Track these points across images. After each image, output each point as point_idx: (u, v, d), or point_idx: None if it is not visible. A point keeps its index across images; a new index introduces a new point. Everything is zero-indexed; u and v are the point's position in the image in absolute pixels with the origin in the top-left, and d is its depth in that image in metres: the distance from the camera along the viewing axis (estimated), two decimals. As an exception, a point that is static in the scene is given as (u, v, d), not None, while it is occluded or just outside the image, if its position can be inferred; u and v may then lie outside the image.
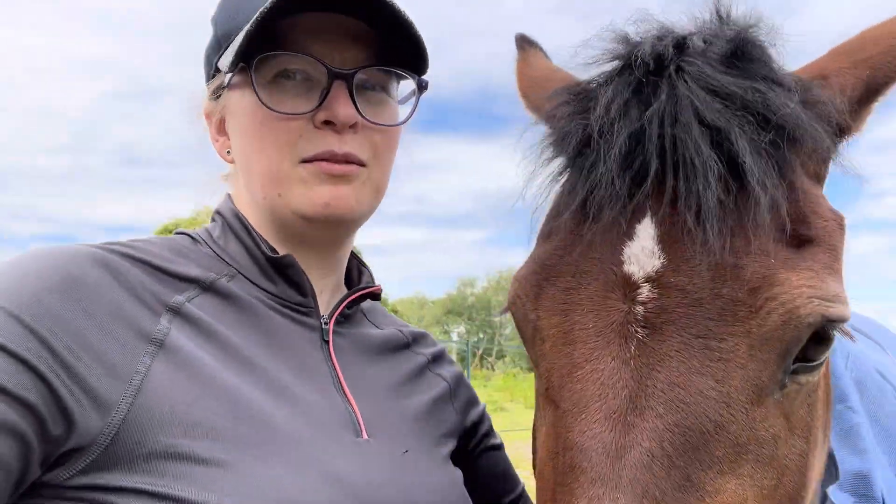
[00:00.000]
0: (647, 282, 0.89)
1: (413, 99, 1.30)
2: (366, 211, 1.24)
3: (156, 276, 1.05)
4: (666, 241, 0.89)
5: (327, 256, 1.30)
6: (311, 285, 1.22)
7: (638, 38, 1.02)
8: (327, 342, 1.22)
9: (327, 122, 1.14)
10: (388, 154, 1.26)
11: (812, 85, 0.97)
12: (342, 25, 1.16)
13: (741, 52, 0.96)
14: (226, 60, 1.16)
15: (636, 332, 0.88)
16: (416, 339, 1.47)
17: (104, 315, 0.93)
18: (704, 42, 0.97)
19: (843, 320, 0.87)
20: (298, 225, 1.20)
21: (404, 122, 1.28)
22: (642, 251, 0.90)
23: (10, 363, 0.82)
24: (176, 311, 1.02)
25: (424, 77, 1.28)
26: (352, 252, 1.41)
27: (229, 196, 1.30)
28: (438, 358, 1.48)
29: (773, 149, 0.88)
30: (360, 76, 1.17)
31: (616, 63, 1.01)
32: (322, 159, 1.15)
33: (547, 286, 0.99)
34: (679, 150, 0.87)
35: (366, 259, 1.46)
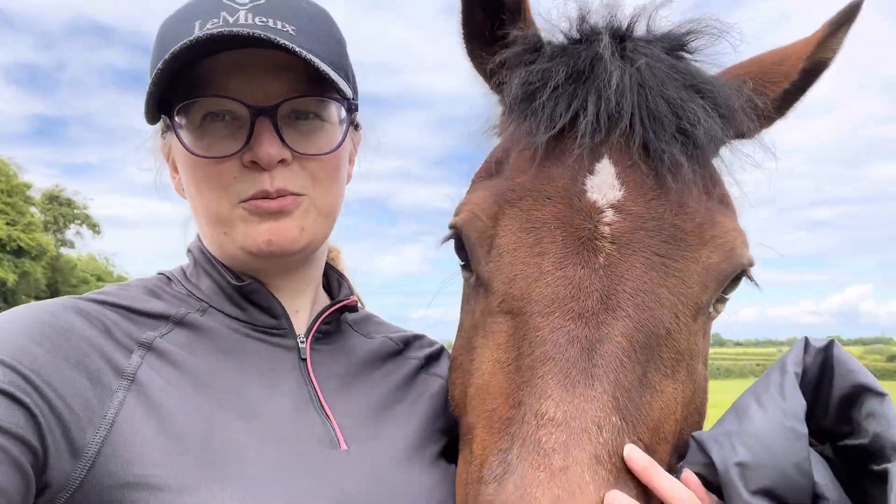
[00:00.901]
0: (611, 207, 1.03)
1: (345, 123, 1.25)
2: (316, 237, 1.24)
3: (128, 317, 1.13)
4: (628, 176, 1.05)
5: (294, 278, 1.31)
6: (282, 307, 1.26)
7: (601, 17, 1.18)
8: (305, 360, 1.24)
9: (255, 162, 1.14)
10: (329, 178, 1.24)
11: (742, 85, 1.17)
12: (263, 58, 1.13)
13: (682, 49, 1.17)
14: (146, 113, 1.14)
15: (604, 246, 1.00)
16: (409, 344, 1.48)
17: (80, 354, 1.01)
18: (650, 34, 1.17)
19: (753, 264, 1.10)
20: (249, 260, 1.22)
21: (334, 150, 1.23)
22: (606, 182, 1.04)
23: (5, 402, 0.89)
24: (148, 347, 1.09)
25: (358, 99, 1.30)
26: (328, 265, 1.45)
27: (199, 234, 1.32)
28: (434, 358, 1.49)
29: (716, 123, 1.08)
30: (286, 108, 1.16)
31: (587, 29, 1.16)
32: (257, 198, 1.15)
33: (508, 207, 1.09)
34: (651, 107, 1.04)
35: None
